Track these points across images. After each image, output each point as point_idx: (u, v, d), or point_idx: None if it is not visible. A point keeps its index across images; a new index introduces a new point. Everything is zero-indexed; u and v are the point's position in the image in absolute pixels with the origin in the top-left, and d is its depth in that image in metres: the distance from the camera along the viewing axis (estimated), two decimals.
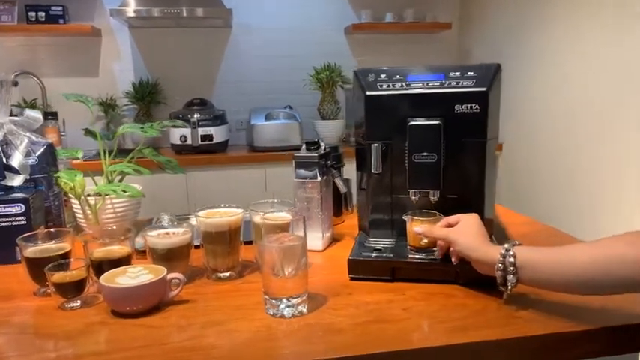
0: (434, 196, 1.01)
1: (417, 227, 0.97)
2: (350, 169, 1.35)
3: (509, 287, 0.81)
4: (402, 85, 1.03)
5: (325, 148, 1.20)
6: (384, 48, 3.34)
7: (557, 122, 2.41)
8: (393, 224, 1.09)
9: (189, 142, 2.81)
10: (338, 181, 1.22)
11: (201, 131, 2.83)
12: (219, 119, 2.91)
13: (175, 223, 1.26)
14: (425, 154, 0.97)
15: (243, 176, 2.77)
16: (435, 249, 0.97)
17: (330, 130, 3.06)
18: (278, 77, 3.25)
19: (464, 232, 0.90)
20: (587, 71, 2.20)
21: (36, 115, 1.27)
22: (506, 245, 0.83)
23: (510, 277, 0.80)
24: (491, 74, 1.01)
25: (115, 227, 1.05)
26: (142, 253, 1.07)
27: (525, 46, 2.65)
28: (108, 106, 3.03)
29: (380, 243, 1.07)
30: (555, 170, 2.43)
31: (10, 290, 1.00)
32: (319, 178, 1.15)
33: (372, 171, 1.04)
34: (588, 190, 2.20)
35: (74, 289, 0.90)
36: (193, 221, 1.48)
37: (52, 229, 1.04)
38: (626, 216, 1.99)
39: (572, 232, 1.23)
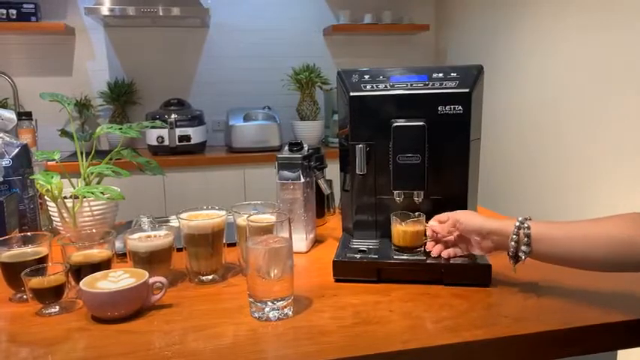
0: (418, 197, 1.01)
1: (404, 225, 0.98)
2: (331, 170, 1.35)
3: (522, 259, 0.84)
4: (385, 86, 1.03)
5: (308, 150, 1.19)
6: (362, 49, 3.35)
7: (534, 121, 2.45)
8: (377, 225, 1.09)
9: (166, 142, 2.77)
10: (321, 182, 1.21)
11: (178, 132, 2.79)
12: (197, 119, 2.88)
13: (156, 225, 1.24)
14: (409, 154, 0.98)
15: (221, 177, 2.75)
16: (419, 249, 0.98)
17: (309, 131, 3.05)
18: (256, 78, 3.23)
19: (468, 212, 0.95)
20: (563, 70, 2.24)
21: (10, 115, 1.24)
22: (520, 218, 0.85)
23: (524, 247, 0.83)
24: (473, 75, 1.02)
25: (94, 230, 1.02)
26: (122, 256, 1.05)
27: (502, 46, 2.69)
28: (82, 107, 2.97)
29: (364, 244, 1.06)
30: (533, 169, 2.47)
31: None
32: (302, 180, 1.14)
33: (357, 172, 1.04)
34: (568, 188, 2.24)
35: (52, 294, 0.88)
36: (174, 223, 1.47)
37: (28, 233, 1.01)
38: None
39: None
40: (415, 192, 1.01)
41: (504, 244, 0.86)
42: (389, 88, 1.03)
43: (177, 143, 2.79)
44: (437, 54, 3.44)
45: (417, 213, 0.99)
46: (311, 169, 1.19)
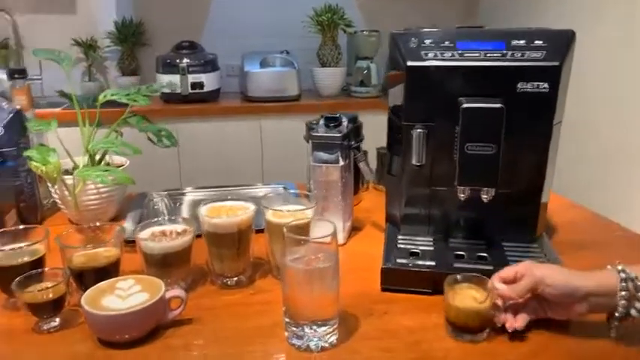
0: (487, 195, 0.83)
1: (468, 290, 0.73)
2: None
3: (636, 317, 0.67)
4: (452, 55, 0.83)
5: (347, 125, 1.01)
6: None
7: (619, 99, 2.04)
8: (431, 220, 0.93)
9: (178, 90, 2.57)
10: (363, 165, 1.03)
11: (191, 78, 2.59)
12: (210, 65, 2.66)
13: (171, 205, 1.09)
14: (481, 144, 0.79)
15: (236, 128, 2.56)
16: (485, 331, 0.72)
17: (330, 79, 2.83)
18: (274, 18, 2.97)
19: (547, 266, 0.73)
20: None
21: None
22: (616, 267, 0.67)
23: (638, 304, 0.66)
24: (564, 43, 0.82)
25: (98, 224, 0.87)
26: (130, 244, 0.90)
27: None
28: (88, 48, 2.75)
29: (416, 243, 0.90)
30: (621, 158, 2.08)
31: None
32: (342, 162, 0.97)
33: (413, 162, 0.86)
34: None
35: (50, 308, 0.74)
36: (190, 196, 1.32)
37: (21, 226, 0.86)
38: None
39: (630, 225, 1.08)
40: (485, 188, 0.83)
41: (607, 304, 0.68)
42: (456, 57, 0.83)
43: (190, 91, 2.59)
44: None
45: (474, 274, 0.74)
46: (351, 148, 1.01)
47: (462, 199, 0.85)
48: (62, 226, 1.10)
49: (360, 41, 2.83)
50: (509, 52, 0.81)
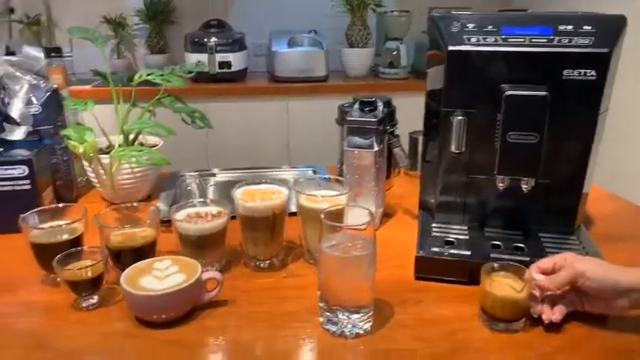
0: (527, 185, 0.81)
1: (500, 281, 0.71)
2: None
3: None
4: (495, 40, 0.81)
5: (382, 109, 0.99)
6: None
7: None
8: (466, 208, 0.91)
9: (205, 69, 2.57)
10: (398, 151, 1.02)
11: (218, 57, 2.58)
12: (238, 44, 2.64)
13: (204, 185, 1.10)
14: (524, 133, 0.77)
15: (263, 108, 2.55)
16: (520, 320, 0.71)
17: (358, 60, 2.79)
18: None
19: (588, 259, 0.71)
20: None
21: (37, 53, 1.07)
22: None
23: None
24: (614, 29, 0.78)
25: (135, 204, 0.88)
26: (165, 223, 0.91)
27: None
28: (117, 25, 2.76)
29: (450, 231, 0.89)
30: None
31: (13, 275, 0.85)
32: (376, 147, 0.95)
33: (452, 149, 0.84)
34: None
35: (89, 286, 0.75)
36: (219, 177, 1.32)
37: (60, 205, 0.87)
38: None
39: None
40: (525, 178, 0.81)
41: None
42: (500, 42, 0.80)
43: (218, 70, 2.59)
44: None
45: (511, 263, 0.73)
46: (386, 133, 0.99)
47: (501, 188, 0.83)
48: (96, 204, 1.11)
49: (390, 21, 2.78)
50: (556, 38, 0.78)
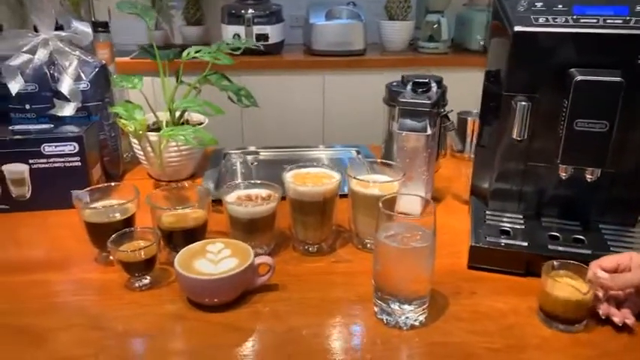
0: (592, 175, 0.77)
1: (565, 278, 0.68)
2: None
3: None
4: (566, 20, 0.76)
5: (436, 91, 0.96)
6: None
7: None
8: (522, 197, 0.88)
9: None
10: (453, 135, 0.98)
11: (255, 29, 2.54)
12: (275, 16, 2.59)
13: (250, 164, 1.09)
14: (594, 121, 0.72)
15: (299, 82, 2.52)
16: (582, 322, 0.68)
17: (397, 33, 2.71)
18: None
19: None
20: None
21: (85, 28, 1.06)
22: None
23: None
24: None
25: (186, 184, 0.87)
26: (215, 203, 0.90)
27: None
28: None
29: (505, 220, 0.86)
30: None
31: (67, 253, 0.86)
32: (429, 131, 0.92)
33: (513, 136, 0.81)
34: None
35: (142, 267, 0.75)
36: (261, 156, 1.31)
37: (112, 184, 0.87)
38: None
39: None
40: (590, 168, 0.77)
41: None
42: (571, 23, 0.75)
43: (255, 43, 2.55)
44: None
45: (571, 262, 0.70)
46: (439, 115, 0.96)
47: (564, 177, 0.79)
48: (143, 181, 1.12)
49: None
50: (633, 19, 0.73)
